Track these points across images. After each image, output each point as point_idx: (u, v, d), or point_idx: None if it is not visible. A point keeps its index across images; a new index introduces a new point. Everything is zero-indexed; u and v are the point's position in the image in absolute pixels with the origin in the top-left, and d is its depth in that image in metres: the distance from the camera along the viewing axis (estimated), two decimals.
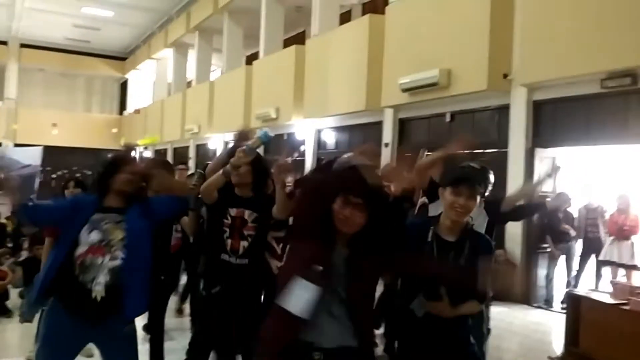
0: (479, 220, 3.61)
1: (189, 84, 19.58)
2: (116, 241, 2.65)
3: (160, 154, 20.02)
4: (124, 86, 26.21)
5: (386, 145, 9.59)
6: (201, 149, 17.48)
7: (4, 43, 22.20)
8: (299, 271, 2.12)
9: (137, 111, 22.93)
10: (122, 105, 25.95)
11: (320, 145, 11.87)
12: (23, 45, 22.62)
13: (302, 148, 12.04)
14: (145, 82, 23.88)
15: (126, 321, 2.72)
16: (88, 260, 2.61)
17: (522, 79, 7.22)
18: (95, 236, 2.63)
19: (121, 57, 25.00)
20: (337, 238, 2.20)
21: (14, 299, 6.28)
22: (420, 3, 8.77)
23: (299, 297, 2.08)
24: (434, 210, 3.77)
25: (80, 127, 23.22)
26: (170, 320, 4.48)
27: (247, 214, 3.21)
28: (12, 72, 22.86)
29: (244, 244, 3.19)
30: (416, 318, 2.53)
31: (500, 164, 7.61)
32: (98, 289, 2.58)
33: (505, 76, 7.41)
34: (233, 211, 3.20)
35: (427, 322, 2.52)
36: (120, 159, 2.88)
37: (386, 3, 9.83)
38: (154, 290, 2.89)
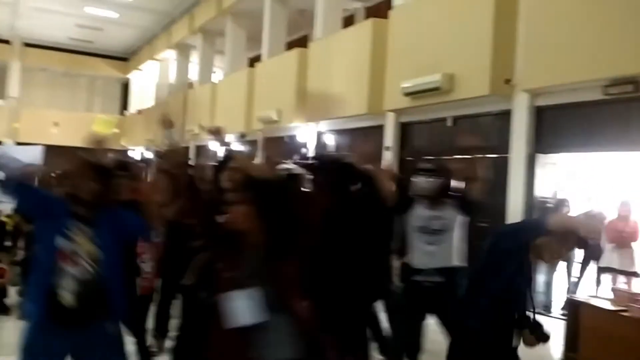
0: None
1: (190, 85, 19.61)
2: (85, 253, 2.59)
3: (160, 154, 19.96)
4: (126, 87, 26.25)
5: (387, 149, 9.59)
6: (202, 150, 17.48)
7: (7, 42, 22.21)
8: (222, 286, 2.06)
9: (139, 112, 22.96)
10: (124, 106, 25.98)
11: (321, 148, 11.86)
12: (26, 45, 22.63)
13: (303, 150, 12.05)
14: (147, 83, 23.91)
15: (105, 329, 2.66)
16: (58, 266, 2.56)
17: (525, 84, 7.22)
18: (63, 243, 2.57)
19: (123, 58, 25.04)
20: (246, 241, 2.12)
21: (13, 296, 6.28)
22: (423, 8, 8.79)
23: (239, 309, 2.01)
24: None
25: (81, 126, 23.19)
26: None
27: None
28: (14, 71, 22.86)
29: None
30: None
31: (501, 170, 7.62)
32: (66, 296, 2.52)
33: (507, 81, 7.42)
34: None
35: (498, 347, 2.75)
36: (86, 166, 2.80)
37: (389, 7, 9.85)
38: (131, 296, 2.83)
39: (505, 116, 7.77)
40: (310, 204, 2.26)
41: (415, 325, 3.77)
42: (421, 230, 3.66)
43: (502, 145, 7.75)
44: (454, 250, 3.66)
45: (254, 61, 15.54)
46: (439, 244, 3.61)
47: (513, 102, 7.55)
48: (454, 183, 3.71)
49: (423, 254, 3.63)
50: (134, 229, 2.90)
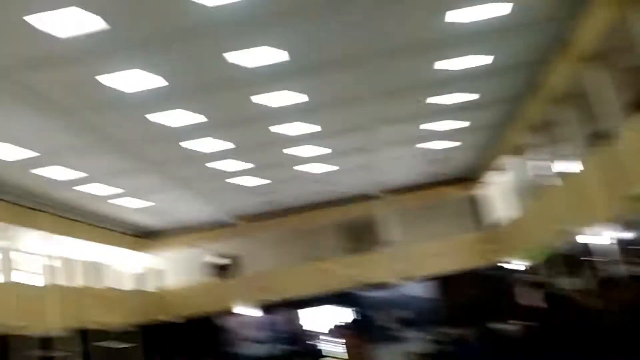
0: None
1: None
2: None
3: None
4: (473, 203, 27.10)
5: None
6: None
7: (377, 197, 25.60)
8: None
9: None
10: (477, 222, 26.70)
11: None
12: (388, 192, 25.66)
13: None
14: (492, 193, 24.84)
15: None
16: None
17: None
18: None
19: (468, 178, 25.95)
20: None
21: None
22: None
23: None
24: None
25: (461, 250, 25.01)
26: None
27: None
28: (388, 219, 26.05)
29: None
30: None
31: None
32: None
33: None
34: None
35: None
36: None
37: None
38: None
39: None
40: None
41: None
42: None
43: None
44: None
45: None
46: None
47: None
48: None
49: None
50: None
